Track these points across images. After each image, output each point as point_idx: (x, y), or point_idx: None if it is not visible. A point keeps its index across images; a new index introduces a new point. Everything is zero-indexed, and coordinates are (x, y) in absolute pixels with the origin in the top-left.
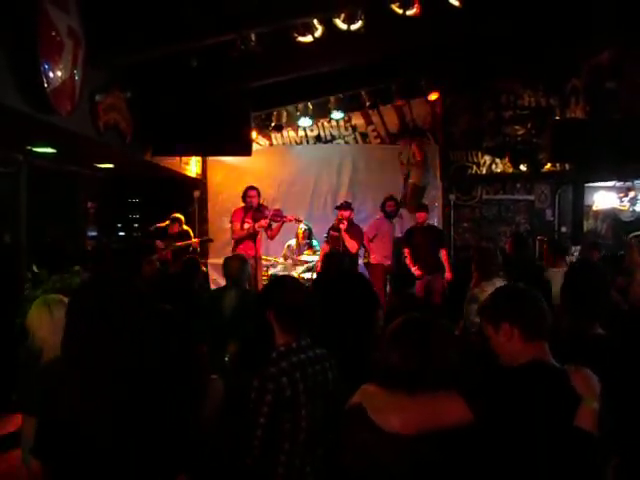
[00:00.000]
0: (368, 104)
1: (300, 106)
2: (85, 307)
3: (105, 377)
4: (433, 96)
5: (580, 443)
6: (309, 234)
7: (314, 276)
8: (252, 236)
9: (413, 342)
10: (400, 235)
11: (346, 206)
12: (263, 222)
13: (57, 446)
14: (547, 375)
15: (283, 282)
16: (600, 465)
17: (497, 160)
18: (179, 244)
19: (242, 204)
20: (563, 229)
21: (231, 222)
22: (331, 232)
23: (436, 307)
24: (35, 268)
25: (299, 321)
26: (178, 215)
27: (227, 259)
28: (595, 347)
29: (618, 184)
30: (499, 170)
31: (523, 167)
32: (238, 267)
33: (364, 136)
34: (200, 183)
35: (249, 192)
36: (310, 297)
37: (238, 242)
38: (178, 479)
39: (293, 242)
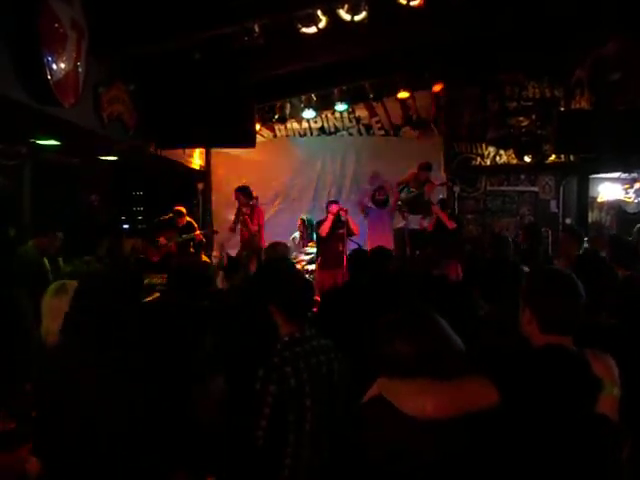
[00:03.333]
0: (372, 96)
1: (304, 98)
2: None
3: (102, 370)
4: (437, 87)
5: (602, 430)
6: (310, 227)
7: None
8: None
9: (419, 330)
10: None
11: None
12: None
13: (54, 441)
14: (566, 359)
15: (279, 271)
16: (619, 450)
17: (501, 151)
18: (183, 236)
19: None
20: (567, 221)
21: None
22: (339, 231)
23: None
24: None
25: (299, 309)
26: (180, 208)
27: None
28: (607, 336)
29: (623, 175)
30: (503, 161)
31: (527, 158)
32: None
33: (368, 128)
34: (204, 175)
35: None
36: (308, 284)
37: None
38: (177, 476)
39: (297, 235)
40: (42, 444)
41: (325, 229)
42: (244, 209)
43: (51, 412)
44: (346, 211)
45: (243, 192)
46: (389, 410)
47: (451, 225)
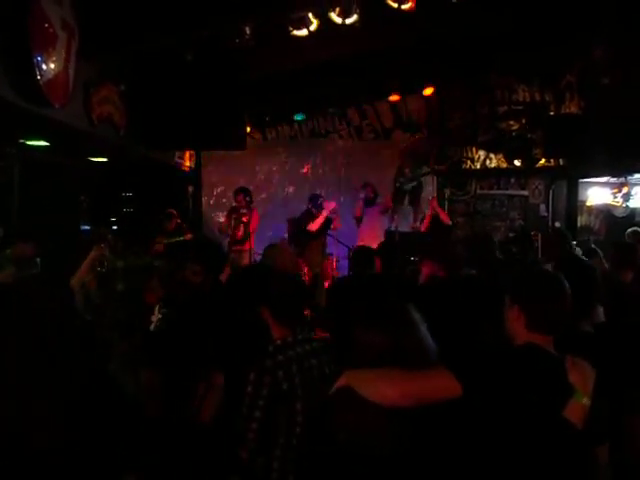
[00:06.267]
0: (363, 98)
1: (295, 100)
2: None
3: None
4: (428, 91)
5: (564, 434)
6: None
7: None
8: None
9: (392, 322)
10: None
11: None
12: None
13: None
14: (541, 360)
15: (274, 275)
16: (585, 458)
17: (491, 155)
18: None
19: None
20: (557, 224)
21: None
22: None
23: None
24: None
25: (292, 313)
26: (171, 211)
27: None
28: (585, 344)
29: (612, 180)
30: (493, 165)
31: (517, 162)
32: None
33: (359, 131)
34: (194, 177)
35: (237, 196)
36: (301, 288)
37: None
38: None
39: (286, 237)
40: None
41: (317, 225)
42: (244, 210)
43: None
44: (336, 211)
45: (245, 193)
46: (355, 398)
47: (447, 221)
